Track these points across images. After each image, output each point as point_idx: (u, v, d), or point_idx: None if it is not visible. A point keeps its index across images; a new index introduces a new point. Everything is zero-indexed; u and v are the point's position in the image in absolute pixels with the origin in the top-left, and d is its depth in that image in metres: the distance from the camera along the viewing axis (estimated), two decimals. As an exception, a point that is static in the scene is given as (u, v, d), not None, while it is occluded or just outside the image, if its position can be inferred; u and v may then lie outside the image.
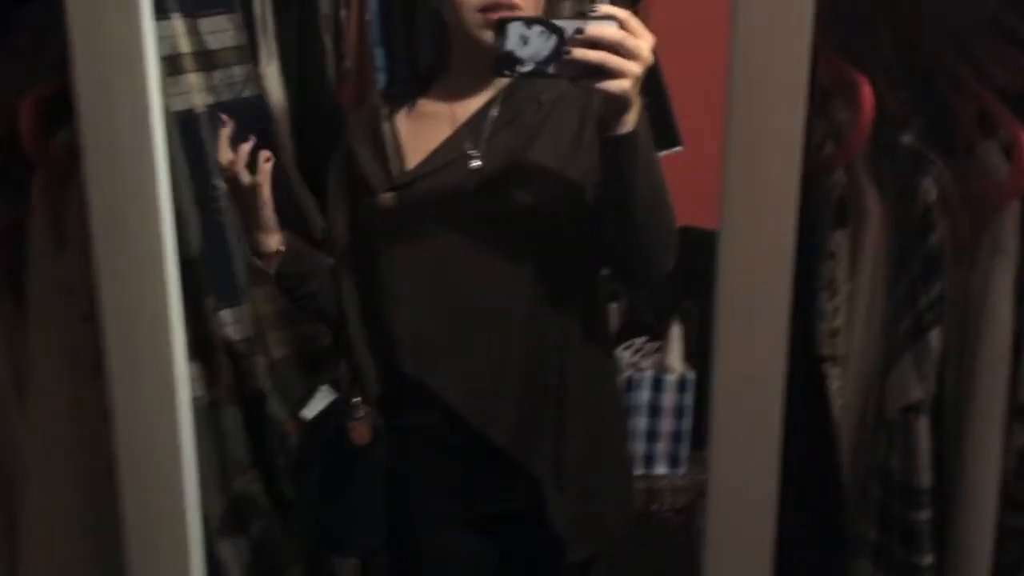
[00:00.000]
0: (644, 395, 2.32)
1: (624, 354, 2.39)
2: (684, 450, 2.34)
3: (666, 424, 2.34)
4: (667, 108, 1.99)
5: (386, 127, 1.30)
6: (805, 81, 0.91)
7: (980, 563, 1.09)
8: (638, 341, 2.42)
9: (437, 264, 1.26)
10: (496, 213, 1.24)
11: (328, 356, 1.57)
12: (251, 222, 1.28)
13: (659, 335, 2.39)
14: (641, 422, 2.34)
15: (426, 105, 1.32)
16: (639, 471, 2.33)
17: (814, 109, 1.09)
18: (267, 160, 1.26)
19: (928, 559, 1.07)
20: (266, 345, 1.58)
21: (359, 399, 1.32)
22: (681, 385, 2.30)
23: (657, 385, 2.32)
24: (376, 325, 1.32)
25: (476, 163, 1.23)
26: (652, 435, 2.35)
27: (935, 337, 1.04)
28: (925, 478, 1.06)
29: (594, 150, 1.19)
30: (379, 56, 1.74)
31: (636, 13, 1.08)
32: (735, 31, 0.90)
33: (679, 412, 2.33)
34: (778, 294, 0.95)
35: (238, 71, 1.51)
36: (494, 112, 1.26)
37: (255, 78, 1.55)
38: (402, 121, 1.32)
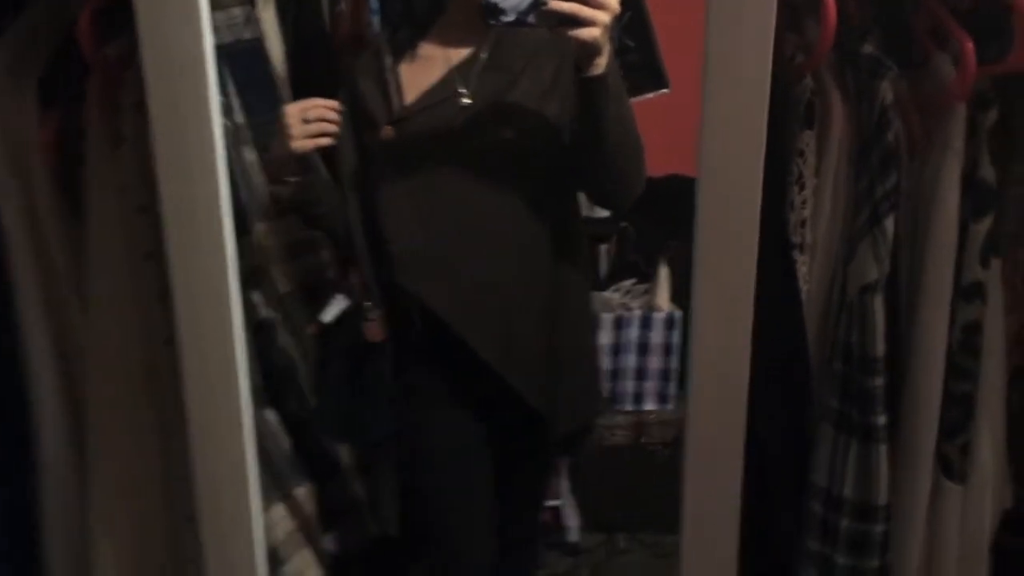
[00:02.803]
0: (633, 333, 2.39)
1: (614, 295, 2.48)
2: (673, 387, 2.39)
3: (655, 362, 2.40)
4: (654, 52, 2.11)
5: (388, 68, 1.43)
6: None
7: (929, 424, 1.24)
8: (627, 283, 2.50)
9: (429, 188, 1.41)
10: (482, 143, 1.39)
11: (331, 288, 1.69)
12: (283, 156, 1.41)
13: (647, 277, 2.47)
14: (631, 360, 2.40)
15: (424, 48, 1.46)
16: (629, 407, 2.42)
17: (787, 26, 1.23)
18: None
19: (882, 419, 1.22)
20: (272, 279, 1.64)
21: (370, 303, 1.47)
22: (669, 323, 2.36)
23: (646, 323, 2.38)
24: (376, 242, 1.46)
25: (466, 100, 1.38)
26: (641, 373, 2.42)
27: (890, 223, 1.18)
28: (879, 348, 1.20)
29: (569, 91, 1.33)
30: None
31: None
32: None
33: (667, 350, 2.38)
34: (750, 184, 1.08)
35: (238, 12, 1.53)
36: (483, 57, 1.40)
37: (254, 20, 1.56)
38: (403, 63, 1.45)
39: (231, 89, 1.51)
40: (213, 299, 1.09)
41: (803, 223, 1.22)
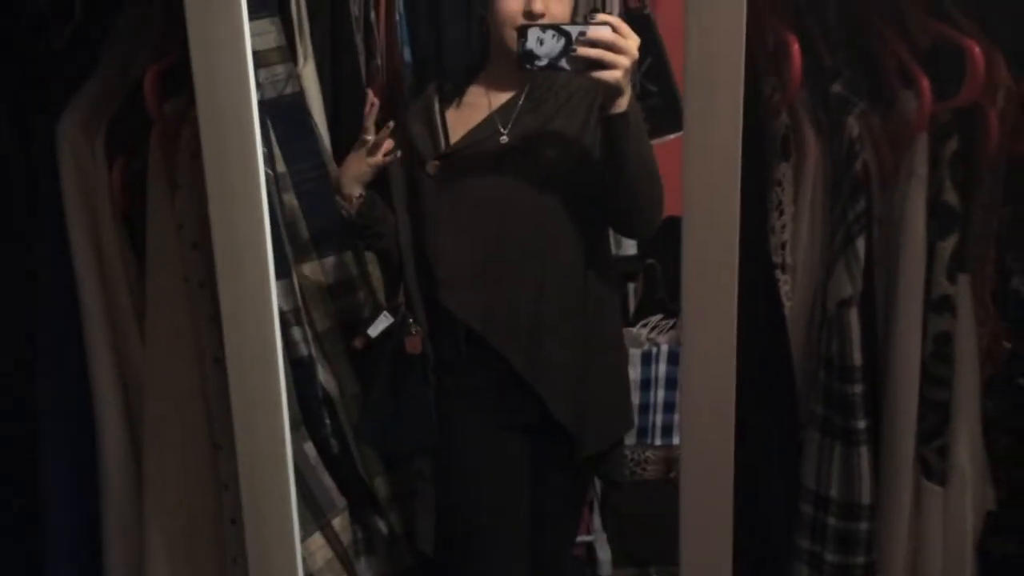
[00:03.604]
0: (662, 368, 2.48)
1: (642, 331, 2.58)
2: None
3: None
4: (675, 95, 2.24)
5: (436, 111, 1.61)
6: (743, 46, 1.16)
7: (907, 428, 1.34)
8: (654, 319, 2.61)
9: (470, 216, 1.57)
10: (518, 178, 1.55)
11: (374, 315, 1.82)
12: (352, 172, 1.58)
13: (674, 312, 2.57)
14: (659, 394, 2.49)
15: (470, 95, 1.65)
16: (659, 441, 2.51)
17: (767, 69, 1.37)
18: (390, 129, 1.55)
19: (862, 423, 1.32)
20: (311, 318, 1.71)
21: (412, 320, 1.62)
22: None
23: (674, 359, 2.47)
24: (424, 267, 1.62)
25: (504, 139, 1.55)
26: (669, 406, 2.50)
27: (861, 244, 1.30)
28: (856, 357, 1.31)
29: (598, 130, 1.48)
30: (407, 54, 1.97)
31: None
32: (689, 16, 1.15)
33: None
34: (729, 210, 1.20)
35: (280, 70, 1.61)
36: (521, 101, 1.57)
37: (295, 76, 1.64)
38: (450, 107, 1.63)
39: (273, 140, 1.62)
40: (257, 323, 1.23)
41: (783, 246, 1.34)
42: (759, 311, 1.32)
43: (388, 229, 1.67)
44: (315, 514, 1.69)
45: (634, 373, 2.45)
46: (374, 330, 1.65)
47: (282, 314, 1.56)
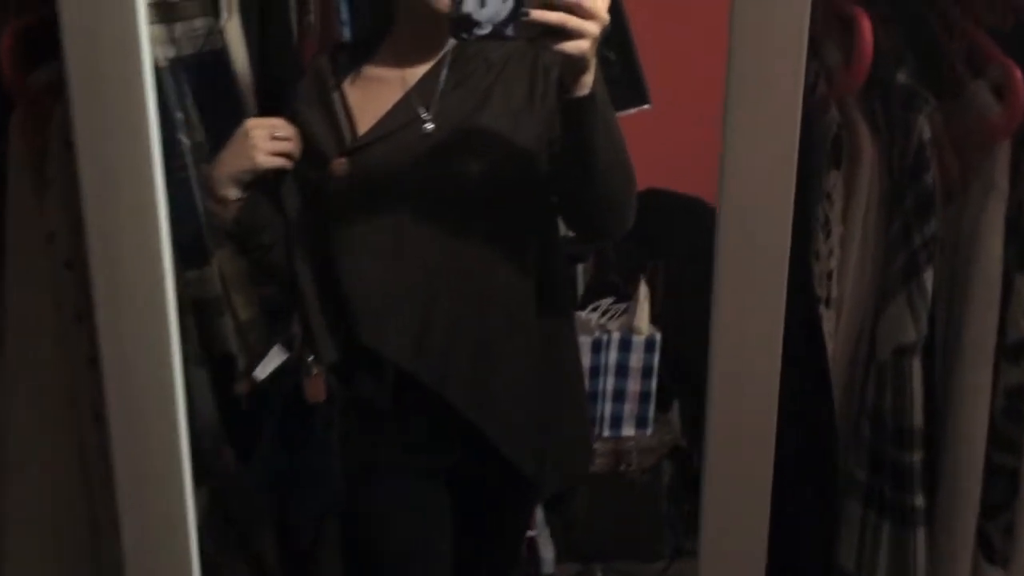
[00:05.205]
0: (612, 356, 2.33)
1: (591, 316, 2.39)
2: (651, 411, 2.34)
3: (633, 384, 2.34)
4: (635, 66, 2.01)
5: (334, 92, 1.29)
6: (807, 21, 0.90)
7: (969, 501, 1.13)
8: (605, 302, 2.41)
9: (391, 230, 1.25)
10: (449, 178, 1.24)
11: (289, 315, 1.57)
12: (229, 168, 1.27)
13: (626, 296, 2.40)
14: (609, 383, 2.34)
15: (374, 69, 1.31)
16: (607, 433, 2.34)
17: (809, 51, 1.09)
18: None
19: (920, 500, 1.10)
20: (232, 307, 1.54)
21: (312, 357, 1.31)
22: (649, 346, 2.31)
23: (625, 346, 2.33)
24: (330, 291, 1.30)
25: (428, 127, 1.23)
26: (619, 396, 2.36)
27: (929, 277, 1.06)
28: (917, 419, 1.09)
29: (547, 105, 1.21)
30: (343, 9, 1.74)
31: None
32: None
33: (647, 373, 2.32)
34: (779, 239, 0.95)
35: (200, 24, 1.48)
36: (444, 74, 1.25)
37: (217, 32, 1.50)
38: (350, 85, 1.30)
39: (190, 105, 1.44)
40: (153, 370, 0.94)
41: (829, 275, 1.09)
42: (798, 354, 1.07)
43: (276, 239, 1.34)
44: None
45: (583, 360, 2.20)
46: (263, 370, 1.32)
47: (205, 304, 1.44)
